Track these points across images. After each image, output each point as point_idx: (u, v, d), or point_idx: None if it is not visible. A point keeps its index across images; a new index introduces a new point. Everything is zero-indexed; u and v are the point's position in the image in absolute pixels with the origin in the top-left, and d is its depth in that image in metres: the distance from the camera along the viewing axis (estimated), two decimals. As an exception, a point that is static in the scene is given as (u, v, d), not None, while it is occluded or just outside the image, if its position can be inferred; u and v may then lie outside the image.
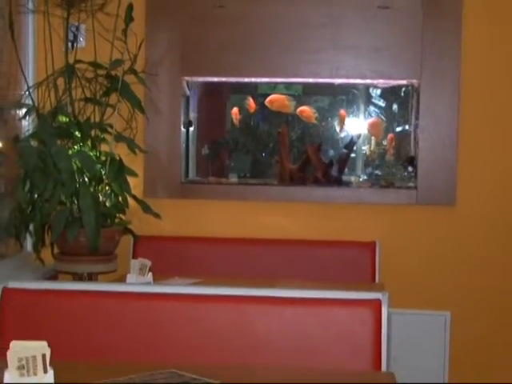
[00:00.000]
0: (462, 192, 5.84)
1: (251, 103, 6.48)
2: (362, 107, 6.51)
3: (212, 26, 5.93)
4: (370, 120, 6.48)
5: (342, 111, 6.39)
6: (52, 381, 2.71)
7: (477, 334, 5.86)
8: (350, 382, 3.12)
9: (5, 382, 2.69)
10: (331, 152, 6.58)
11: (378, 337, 3.51)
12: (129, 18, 5.32)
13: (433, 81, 5.83)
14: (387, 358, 3.55)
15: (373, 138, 6.52)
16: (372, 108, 6.51)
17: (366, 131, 6.47)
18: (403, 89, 6.34)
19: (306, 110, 6.41)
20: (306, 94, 6.67)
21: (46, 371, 2.72)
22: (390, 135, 6.46)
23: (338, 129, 6.47)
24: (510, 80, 5.84)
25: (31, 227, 5.26)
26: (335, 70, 5.90)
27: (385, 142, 6.49)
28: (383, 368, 3.49)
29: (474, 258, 5.88)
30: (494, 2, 5.81)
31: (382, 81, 6.18)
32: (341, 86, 6.36)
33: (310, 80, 6.21)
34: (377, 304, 3.53)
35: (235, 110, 6.48)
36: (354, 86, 6.41)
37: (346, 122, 6.40)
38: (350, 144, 6.45)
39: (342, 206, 6.00)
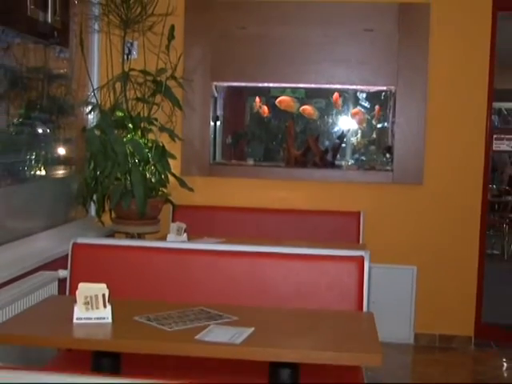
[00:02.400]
0: (428, 174, 5.84)
1: (264, 108, 6.55)
2: (351, 107, 6.50)
3: (235, 42, 5.90)
4: (353, 110, 6.48)
5: (336, 94, 6.39)
6: (109, 314, 2.81)
7: (437, 284, 5.87)
8: (338, 318, 3.17)
9: (74, 314, 2.78)
10: (327, 142, 6.59)
11: (361, 285, 3.54)
12: (171, 37, 5.33)
13: (406, 87, 5.80)
14: (368, 302, 3.59)
15: (359, 131, 6.55)
16: (359, 108, 6.52)
17: (355, 126, 6.51)
18: (383, 93, 6.31)
19: (307, 109, 6.44)
20: (308, 96, 6.64)
21: (105, 306, 2.80)
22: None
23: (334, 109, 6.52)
24: (466, 88, 5.81)
25: (94, 197, 5.27)
26: (331, 77, 5.90)
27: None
28: (365, 309, 3.54)
29: (436, 224, 5.89)
30: (452, 27, 5.77)
31: (366, 87, 6.18)
32: (335, 90, 6.34)
33: (312, 85, 6.19)
34: (361, 259, 3.56)
35: (264, 108, 6.55)
36: (345, 90, 6.39)
37: (339, 102, 6.42)
38: (342, 136, 6.47)
39: (334, 184, 5.98)
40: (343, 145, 6.51)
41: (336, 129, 6.64)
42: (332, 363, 2.68)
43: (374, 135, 6.55)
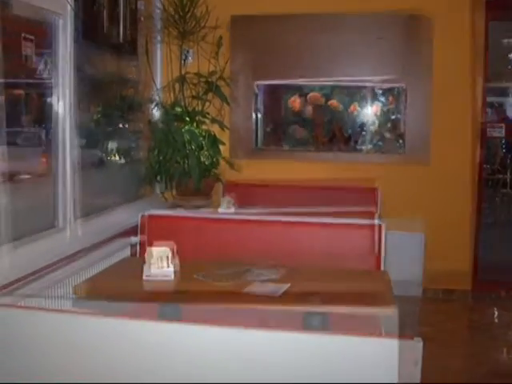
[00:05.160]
0: (434, 156, 5.80)
1: (296, 101, 6.49)
2: (369, 101, 6.47)
3: (272, 49, 5.90)
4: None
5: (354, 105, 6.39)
6: (172, 272, 2.84)
7: (441, 247, 5.82)
8: (359, 276, 3.19)
9: (144, 272, 2.82)
10: (350, 130, 6.54)
11: (379, 249, 3.53)
12: (219, 45, 5.35)
13: (414, 85, 5.77)
14: (384, 262, 3.59)
15: (377, 121, 6.50)
16: (376, 102, 6.48)
17: (373, 117, 6.46)
18: (396, 90, 6.27)
19: (333, 103, 6.41)
20: (334, 92, 6.60)
21: (168, 266, 2.84)
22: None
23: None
24: (465, 85, 5.76)
25: (159, 178, 5.31)
26: (351, 76, 5.89)
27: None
28: (382, 268, 3.54)
29: (441, 198, 5.85)
30: (452, 34, 5.71)
31: (381, 84, 6.16)
32: (356, 87, 6.33)
33: (337, 83, 6.21)
34: (378, 228, 3.55)
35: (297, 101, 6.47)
36: (365, 87, 6.34)
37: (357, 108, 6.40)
38: (362, 125, 6.44)
39: (356, 165, 5.96)
40: (363, 132, 6.46)
41: (358, 119, 6.58)
42: (354, 315, 2.67)
43: (389, 125, 6.49)
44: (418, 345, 1.83)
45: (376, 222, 3.62)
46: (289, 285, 2.76)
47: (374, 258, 3.53)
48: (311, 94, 6.41)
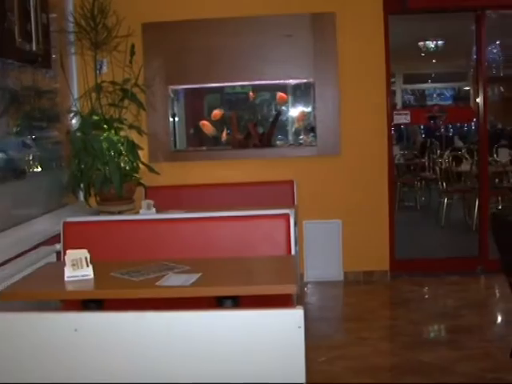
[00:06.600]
0: (344, 147, 6.07)
1: (216, 113, 6.70)
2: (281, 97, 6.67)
3: (184, 54, 6.04)
4: (279, 94, 6.67)
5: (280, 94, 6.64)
6: (91, 271, 3.02)
7: (358, 232, 6.12)
8: (269, 262, 3.38)
9: (65, 274, 3.00)
10: (263, 127, 6.75)
11: (289, 236, 3.71)
12: (132, 53, 5.42)
13: (322, 79, 6.01)
14: (295, 248, 3.76)
15: (290, 117, 6.73)
16: (289, 98, 6.70)
17: (286, 113, 6.69)
18: (305, 85, 6.45)
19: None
20: (255, 90, 6.85)
21: (87, 266, 3.03)
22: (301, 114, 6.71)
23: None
24: (369, 75, 6.05)
25: (81, 186, 5.35)
26: (263, 74, 6.08)
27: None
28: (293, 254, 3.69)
29: (353, 185, 6.13)
30: (354, 29, 5.99)
31: (290, 80, 6.38)
32: (269, 85, 6.52)
33: (246, 82, 6.45)
34: (287, 216, 3.73)
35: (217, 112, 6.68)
36: (277, 84, 6.51)
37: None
38: (274, 121, 6.64)
39: (271, 160, 6.17)
40: (277, 128, 6.65)
41: (272, 116, 6.79)
42: (259, 294, 2.84)
43: (301, 119, 6.70)
44: (299, 311, 2.12)
45: (285, 210, 3.79)
46: (200, 274, 2.94)
47: (285, 245, 3.71)
48: (215, 112, 6.67)
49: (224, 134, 6.65)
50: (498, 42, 11.54)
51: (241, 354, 2.22)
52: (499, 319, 5.29)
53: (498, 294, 5.80)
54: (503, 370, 3.95)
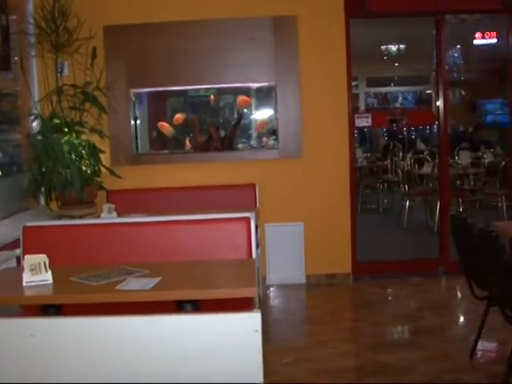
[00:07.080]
0: (305, 149, 6.09)
1: (178, 117, 6.71)
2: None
3: (146, 57, 6.01)
4: (240, 97, 6.67)
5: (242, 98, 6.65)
6: (50, 277, 2.99)
7: (320, 234, 6.15)
8: (229, 264, 3.38)
9: (23, 279, 2.98)
10: (224, 131, 6.74)
11: (249, 239, 3.71)
12: (93, 56, 5.44)
13: (283, 82, 6.02)
14: (256, 252, 3.74)
15: (253, 120, 6.75)
16: (252, 101, 6.72)
17: (249, 116, 6.71)
18: (267, 88, 6.47)
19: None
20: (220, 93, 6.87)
21: (46, 271, 3.00)
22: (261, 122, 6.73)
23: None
24: (330, 78, 6.06)
25: (42, 190, 5.33)
26: (224, 78, 6.07)
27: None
28: (253, 257, 3.68)
29: (314, 188, 6.15)
30: (315, 32, 6.02)
31: (253, 84, 6.36)
32: (232, 88, 6.50)
33: (208, 86, 6.48)
34: (248, 219, 3.73)
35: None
36: (240, 87, 6.50)
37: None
38: (236, 123, 6.64)
39: (233, 163, 6.15)
40: (238, 131, 6.64)
41: (233, 119, 6.78)
42: (219, 297, 2.84)
43: (263, 122, 6.74)
44: (256, 315, 2.14)
45: (246, 214, 3.79)
46: (160, 278, 2.94)
47: (245, 248, 3.71)
48: (177, 116, 6.69)
49: (187, 142, 6.64)
50: (458, 46, 11.72)
51: (200, 357, 2.24)
52: (460, 320, 5.37)
53: (459, 295, 5.87)
54: (462, 370, 4.01)
